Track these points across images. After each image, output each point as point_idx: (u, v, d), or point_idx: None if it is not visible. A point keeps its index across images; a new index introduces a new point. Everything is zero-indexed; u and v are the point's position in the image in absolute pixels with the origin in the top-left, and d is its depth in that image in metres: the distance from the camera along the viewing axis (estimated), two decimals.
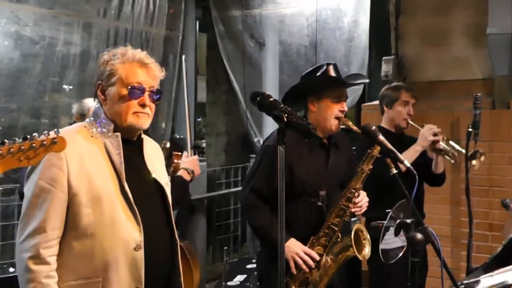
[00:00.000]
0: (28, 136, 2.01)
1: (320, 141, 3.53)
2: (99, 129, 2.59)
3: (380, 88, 4.77)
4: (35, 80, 6.20)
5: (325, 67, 3.52)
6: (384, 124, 4.62)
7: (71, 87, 6.55)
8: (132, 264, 2.51)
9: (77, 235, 2.47)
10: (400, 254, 3.20)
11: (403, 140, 4.49)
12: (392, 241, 3.18)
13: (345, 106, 3.50)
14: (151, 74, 2.63)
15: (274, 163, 3.41)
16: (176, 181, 3.86)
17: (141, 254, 2.52)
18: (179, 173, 3.99)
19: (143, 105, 2.60)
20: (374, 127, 3.15)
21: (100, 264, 2.47)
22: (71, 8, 6.47)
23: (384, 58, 6.10)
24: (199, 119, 11.13)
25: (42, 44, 6.21)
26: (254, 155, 7.87)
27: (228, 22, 7.82)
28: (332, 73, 3.51)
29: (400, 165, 3.07)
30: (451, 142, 4.33)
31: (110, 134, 2.59)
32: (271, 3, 7.55)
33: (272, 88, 7.35)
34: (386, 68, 6.01)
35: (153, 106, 2.65)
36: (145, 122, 2.63)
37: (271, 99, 2.52)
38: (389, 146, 3.04)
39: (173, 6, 7.46)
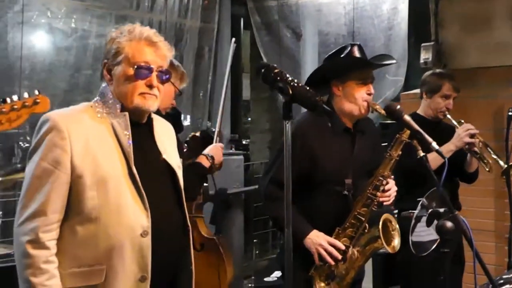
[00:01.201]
0: (8, 99, 1.89)
1: (343, 127, 3.34)
2: (106, 109, 2.48)
3: (419, 77, 4.58)
4: (67, 73, 6.17)
5: (349, 48, 3.33)
6: (420, 110, 4.44)
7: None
8: (138, 251, 2.39)
9: (80, 219, 2.36)
10: (433, 247, 3.02)
11: (439, 129, 4.30)
12: (427, 233, 3.00)
13: (371, 89, 3.31)
14: (159, 54, 2.51)
15: (294, 152, 3.28)
16: (192, 166, 3.71)
17: (147, 240, 2.40)
18: (198, 159, 3.83)
19: (150, 86, 2.48)
20: (399, 107, 2.95)
21: (104, 251, 2.36)
22: (103, 1, 6.42)
23: (423, 45, 5.87)
24: (248, 119, 11.03)
25: (75, 36, 6.19)
26: None
27: (264, 12, 7.66)
28: (357, 53, 3.33)
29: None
30: (489, 149, 4.13)
31: (117, 114, 2.47)
32: None
33: None
34: (425, 55, 5.78)
35: (161, 87, 2.53)
36: (152, 104, 2.51)
37: (276, 71, 2.35)
38: (416, 127, 2.84)
39: None
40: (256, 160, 8.96)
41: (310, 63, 7.35)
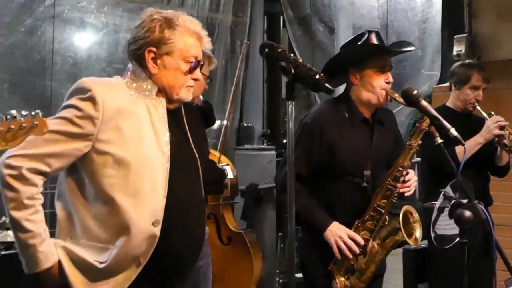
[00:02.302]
0: (8, 117, 1.86)
1: (361, 117, 3.26)
2: (141, 90, 2.45)
3: None
4: (99, 67, 6.19)
5: (366, 35, 3.25)
6: (450, 102, 4.33)
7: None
8: (147, 239, 2.35)
9: (95, 195, 2.34)
10: (456, 240, 2.91)
11: (470, 122, 4.19)
12: (451, 226, 2.91)
13: (390, 77, 3.22)
14: (203, 46, 2.55)
15: (311, 141, 3.22)
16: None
17: (157, 230, 2.36)
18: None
19: (195, 79, 2.52)
20: (416, 92, 2.86)
21: (114, 232, 2.34)
22: None
23: (456, 36, 5.74)
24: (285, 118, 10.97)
25: (105, 31, 6.21)
26: None
27: (297, 6, 7.59)
28: (374, 40, 3.24)
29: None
30: None
31: (153, 98, 2.45)
32: None
33: None
34: (458, 47, 5.64)
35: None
36: (191, 95, 2.55)
37: (280, 50, 2.29)
38: (433, 112, 2.75)
39: None
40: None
41: None
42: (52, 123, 2.25)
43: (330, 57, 7.18)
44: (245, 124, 7.25)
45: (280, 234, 5.99)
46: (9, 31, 5.55)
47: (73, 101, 2.34)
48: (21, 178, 2.24)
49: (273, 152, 6.99)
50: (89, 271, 2.35)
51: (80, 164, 2.38)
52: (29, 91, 5.77)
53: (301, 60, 2.25)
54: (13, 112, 1.88)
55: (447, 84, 5.29)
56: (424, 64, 6.91)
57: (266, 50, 2.29)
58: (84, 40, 6.10)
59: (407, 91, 2.90)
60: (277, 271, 6.18)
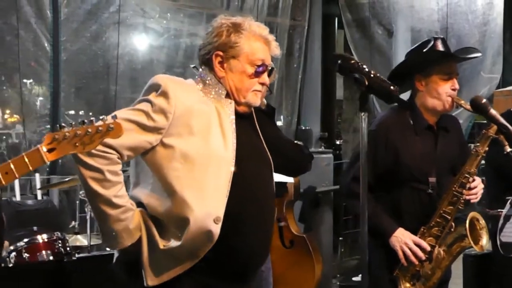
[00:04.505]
0: (86, 121, 1.96)
1: (426, 124, 3.26)
2: (212, 92, 2.49)
3: None
4: (159, 71, 6.32)
5: (432, 41, 3.24)
6: None
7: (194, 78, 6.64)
8: (206, 235, 2.37)
9: (159, 186, 2.39)
10: None
11: None
12: None
13: (456, 84, 3.21)
14: (271, 52, 2.54)
15: (376, 148, 3.23)
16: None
17: (217, 228, 2.37)
18: None
19: (263, 84, 2.52)
20: (485, 100, 2.85)
21: (175, 223, 2.37)
22: (195, 0, 6.56)
23: None
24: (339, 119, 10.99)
25: (167, 35, 6.36)
26: None
27: (355, 9, 7.62)
28: (440, 47, 3.22)
29: None
30: None
31: (222, 100, 2.49)
32: None
33: None
34: None
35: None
36: (259, 100, 2.56)
37: (353, 61, 2.31)
38: (502, 121, 2.74)
39: None
40: (348, 160, 8.88)
41: (401, 60, 7.23)
42: (128, 113, 2.34)
43: (388, 60, 7.29)
44: (303, 127, 7.28)
45: (340, 238, 5.98)
46: (75, 37, 5.75)
47: (148, 96, 2.39)
48: (99, 157, 2.27)
49: (331, 155, 7.02)
50: (153, 249, 2.41)
51: (146, 156, 2.42)
52: (94, 95, 5.97)
53: (373, 72, 2.26)
54: (92, 119, 1.97)
55: (509, 88, 5.23)
56: (484, 67, 6.83)
57: (339, 61, 2.33)
58: (146, 45, 6.27)
59: (476, 99, 2.90)
60: (337, 275, 6.19)
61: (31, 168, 1.93)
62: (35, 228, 4.22)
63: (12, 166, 1.89)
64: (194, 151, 2.36)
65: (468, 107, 3.04)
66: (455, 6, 6.72)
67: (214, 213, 2.37)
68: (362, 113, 2.20)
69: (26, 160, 1.91)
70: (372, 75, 2.23)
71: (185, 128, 2.37)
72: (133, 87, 6.17)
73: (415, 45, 3.38)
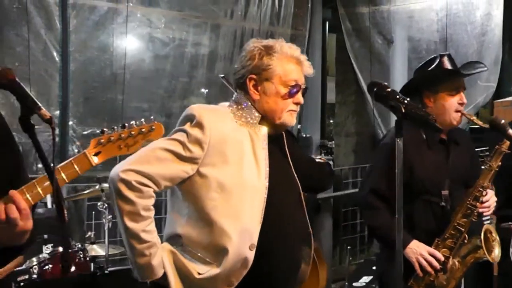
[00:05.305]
0: (127, 124, 2.06)
1: (438, 138, 3.37)
2: (242, 118, 2.56)
3: None
4: (165, 81, 6.42)
5: (438, 58, 3.36)
6: None
7: (199, 86, 6.74)
8: (241, 261, 2.44)
9: (198, 216, 2.46)
10: None
11: None
12: None
13: (463, 98, 3.32)
14: (304, 71, 2.61)
15: (392, 161, 3.33)
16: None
17: (252, 254, 2.45)
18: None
19: (297, 103, 2.59)
20: (503, 121, 2.97)
21: (214, 251, 2.45)
22: (199, 10, 6.64)
23: None
24: (331, 121, 11.07)
25: (172, 45, 6.44)
26: None
27: (356, 19, 7.73)
28: (447, 64, 3.34)
29: None
30: None
31: (255, 125, 2.56)
32: None
33: (400, 86, 7.14)
34: None
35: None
36: (294, 120, 2.62)
37: (389, 90, 2.42)
38: None
39: (299, 5, 7.44)
40: (340, 164, 8.97)
41: (400, 69, 7.37)
42: (166, 143, 2.43)
43: (387, 69, 7.39)
44: (304, 135, 7.37)
45: (349, 247, 6.06)
46: (84, 47, 5.82)
47: (183, 126, 2.48)
48: (136, 190, 2.36)
49: (331, 163, 7.11)
50: (187, 279, 2.48)
51: (182, 186, 2.50)
52: (102, 104, 6.03)
53: (408, 100, 2.37)
54: (132, 122, 2.08)
55: (509, 98, 5.36)
56: (481, 76, 6.95)
57: (375, 89, 2.43)
58: (152, 54, 6.33)
59: (494, 120, 3.02)
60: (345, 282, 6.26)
61: (79, 172, 2.01)
62: (45, 236, 4.24)
63: (61, 172, 1.95)
64: (230, 181, 2.44)
65: (480, 123, 3.17)
66: (454, 17, 6.84)
67: (249, 240, 2.45)
68: (398, 139, 2.30)
69: (74, 165, 1.99)
70: (407, 103, 2.34)
71: (219, 157, 2.44)
72: (139, 96, 6.26)
73: (423, 62, 3.49)
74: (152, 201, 2.41)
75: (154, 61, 6.34)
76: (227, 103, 2.66)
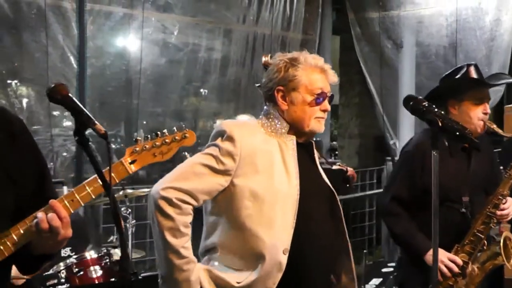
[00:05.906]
0: (159, 133, 2.15)
1: (461, 145, 3.43)
2: (272, 128, 2.63)
3: None
4: (178, 85, 6.51)
5: (465, 68, 3.42)
6: None
7: (212, 91, 6.83)
8: (276, 265, 2.51)
9: (233, 224, 2.53)
10: None
11: None
12: None
13: (487, 108, 3.39)
14: (329, 80, 2.67)
15: (413, 168, 3.40)
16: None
17: (285, 258, 2.51)
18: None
19: (324, 111, 2.65)
20: None
21: (249, 258, 2.52)
22: (212, 16, 6.73)
23: None
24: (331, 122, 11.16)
25: (186, 50, 6.53)
26: (390, 158, 7.81)
27: (365, 24, 7.80)
28: (473, 74, 3.40)
29: None
30: None
31: (284, 135, 2.63)
32: (409, 4, 7.44)
33: (408, 90, 7.19)
34: None
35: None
36: (323, 126, 2.68)
37: (425, 103, 2.51)
38: None
39: (309, 10, 7.52)
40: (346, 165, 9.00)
41: (408, 73, 7.44)
42: (200, 157, 2.53)
43: (396, 73, 7.46)
44: (314, 139, 7.42)
45: (365, 251, 6.10)
46: (100, 53, 5.90)
47: (215, 141, 2.56)
48: (176, 207, 2.44)
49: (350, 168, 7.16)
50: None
51: (217, 198, 2.58)
52: (117, 109, 6.13)
53: (443, 113, 2.44)
54: (165, 131, 2.16)
55: None
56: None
57: (411, 103, 2.52)
58: (166, 59, 6.42)
59: None
60: None
61: (117, 180, 2.07)
62: None
63: (98, 180, 1.99)
64: (262, 189, 2.51)
65: (500, 131, 3.24)
66: (464, 22, 6.90)
67: (283, 245, 2.52)
68: (434, 151, 2.37)
69: (112, 173, 2.03)
70: (443, 116, 2.41)
71: (251, 168, 2.52)
72: (154, 101, 6.35)
73: (450, 71, 3.55)
74: (190, 218, 2.49)
75: (167, 66, 6.42)
76: (255, 119, 2.75)
